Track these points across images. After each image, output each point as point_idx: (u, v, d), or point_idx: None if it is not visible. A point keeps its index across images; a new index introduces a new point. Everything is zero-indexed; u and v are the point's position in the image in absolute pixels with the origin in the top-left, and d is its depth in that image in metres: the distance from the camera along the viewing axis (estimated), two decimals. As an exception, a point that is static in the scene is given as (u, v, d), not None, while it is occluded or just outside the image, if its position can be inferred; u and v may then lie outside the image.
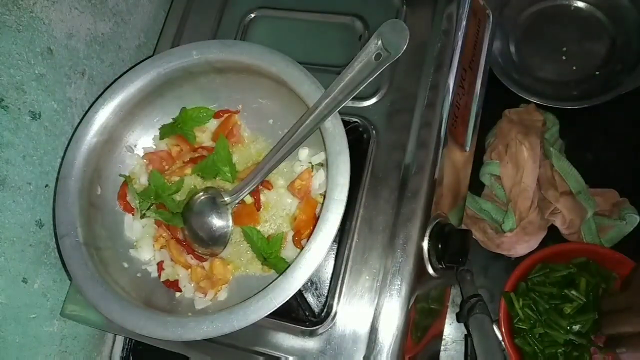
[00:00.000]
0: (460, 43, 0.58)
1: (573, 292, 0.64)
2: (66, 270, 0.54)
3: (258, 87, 0.57)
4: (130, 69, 0.56)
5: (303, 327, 0.51)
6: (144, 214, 0.57)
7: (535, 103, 0.75)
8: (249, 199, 0.55)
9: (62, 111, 0.58)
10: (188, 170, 0.58)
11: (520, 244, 0.69)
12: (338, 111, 0.49)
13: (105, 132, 0.56)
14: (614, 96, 0.73)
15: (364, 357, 0.49)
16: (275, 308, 0.45)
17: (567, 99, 0.77)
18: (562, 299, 0.64)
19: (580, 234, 0.69)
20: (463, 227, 0.70)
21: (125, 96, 0.56)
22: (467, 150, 0.63)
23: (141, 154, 0.60)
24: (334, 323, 0.51)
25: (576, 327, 0.62)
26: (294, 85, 0.52)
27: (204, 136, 0.61)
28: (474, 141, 0.64)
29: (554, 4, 0.84)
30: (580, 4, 0.83)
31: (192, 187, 0.58)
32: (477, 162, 0.72)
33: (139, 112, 0.58)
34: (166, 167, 0.60)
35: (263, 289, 0.46)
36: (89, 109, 0.55)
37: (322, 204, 0.48)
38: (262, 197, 0.56)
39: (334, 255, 0.53)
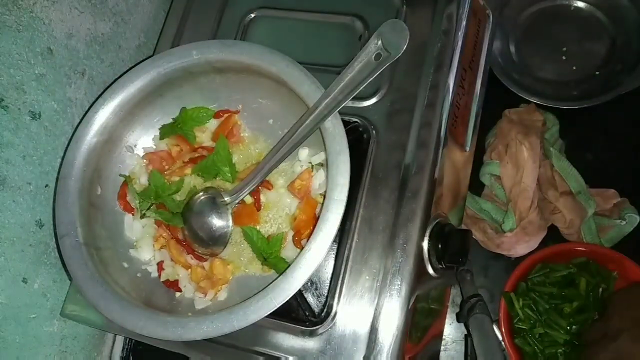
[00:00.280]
0: (460, 43, 0.58)
1: (573, 292, 0.64)
2: (66, 270, 0.54)
3: (258, 87, 0.57)
4: (130, 69, 0.56)
5: (303, 327, 0.51)
6: (144, 214, 0.57)
7: (535, 103, 0.75)
8: (249, 199, 0.55)
9: (62, 111, 0.58)
10: (188, 170, 0.58)
11: (520, 244, 0.69)
12: (338, 111, 0.49)
13: (105, 132, 0.56)
14: (614, 96, 0.73)
15: (364, 357, 0.49)
16: (275, 308, 0.45)
17: (567, 99, 0.77)
18: (562, 299, 0.64)
19: (580, 234, 0.69)
20: (463, 227, 0.70)
21: (125, 96, 0.56)
22: (467, 150, 0.63)
23: (141, 154, 0.60)
24: (334, 323, 0.51)
25: (576, 327, 0.62)
26: (294, 85, 0.52)
27: (204, 136, 0.61)
28: (474, 141, 0.64)
29: (554, 4, 0.84)
30: (580, 4, 0.83)
31: (192, 187, 0.58)
32: (477, 162, 0.72)
33: (139, 112, 0.58)
34: (166, 167, 0.60)
35: (263, 289, 0.46)
36: (89, 109, 0.55)
37: (322, 204, 0.48)
38: (262, 197, 0.56)
39: (334, 255, 0.53)
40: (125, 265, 0.56)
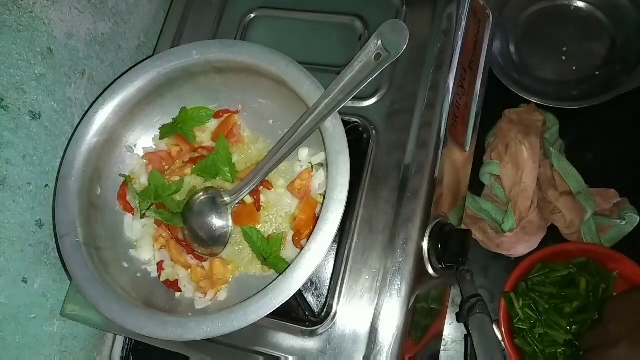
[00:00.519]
0: (460, 43, 0.58)
1: (573, 292, 0.64)
2: (66, 270, 0.54)
3: (258, 87, 0.57)
4: (130, 69, 0.56)
5: (303, 327, 0.51)
6: (144, 214, 0.57)
7: (535, 103, 0.75)
8: (249, 199, 0.55)
9: (62, 111, 0.58)
10: (188, 170, 0.58)
11: (520, 244, 0.69)
12: (338, 111, 0.49)
13: (105, 132, 0.56)
14: (614, 96, 0.73)
15: (364, 357, 0.49)
16: (275, 308, 0.45)
17: (567, 99, 0.77)
18: (562, 299, 0.64)
19: (580, 234, 0.69)
20: (463, 227, 0.70)
21: (125, 96, 0.56)
22: (467, 150, 0.63)
23: (141, 154, 0.60)
24: (334, 323, 0.51)
25: (576, 327, 0.62)
26: (294, 85, 0.52)
27: (204, 136, 0.61)
28: (474, 141, 0.64)
29: (554, 4, 0.84)
30: (580, 4, 0.83)
31: (192, 187, 0.58)
32: (477, 162, 0.72)
33: (139, 112, 0.58)
34: (166, 167, 0.60)
35: (263, 289, 0.46)
36: (89, 109, 0.55)
37: (322, 204, 0.48)
38: (262, 197, 0.56)
39: (334, 255, 0.53)
40: (125, 265, 0.56)
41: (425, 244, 0.52)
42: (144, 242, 0.57)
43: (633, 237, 0.69)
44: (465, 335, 0.68)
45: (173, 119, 0.60)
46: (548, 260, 0.67)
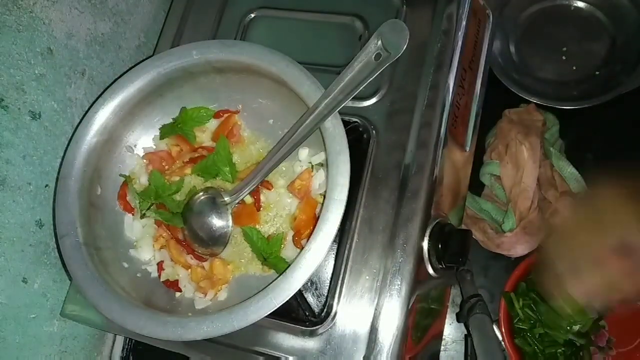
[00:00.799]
0: (460, 43, 0.58)
1: (573, 292, 0.64)
2: (66, 270, 0.54)
3: (258, 87, 0.57)
4: (130, 69, 0.56)
5: (303, 327, 0.51)
6: (144, 214, 0.57)
7: (535, 103, 0.75)
8: (249, 199, 0.55)
9: (62, 111, 0.58)
10: (188, 170, 0.58)
11: (520, 244, 0.69)
12: (338, 111, 0.49)
13: (105, 132, 0.56)
14: (614, 96, 0.73)
15: (364, 357, 0.49)
16: (275, 308, 0.45)
17: (567, 99, 0.77)
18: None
19: (580, 234, 0.69)
20: (463, 227, 0.70)
21: (125, 96, 0.56)
22: (467, 150, 0.63)
23: (141, 154, 0.60)
24: (334, 323, 0.51)
25: (576, 327, 0.62)
26: (294, 85, 0.52)
27: (204, 136, 0.61)
28: (474, 141, 0.64)
29: (554, 4, 0.84)
30: (580, 4, 0.83)
31: (192, 187, 0.58)
32: (477, 162, 0.72)
33: (139, 112, 0.58)
34: (166, 167, 0.60)
35: (263, 289, 0.46)
36: (89, 109, 0.55)
37: (322, 204, 0.48)
38: (262, 197, 0.56)
39: (334, 255, 0.53)
40: (125, 265, 0.56)
41: (425, 244, 0.52)
42: (144, 242, 0.57)
43: (633, 237, 0.69)
44: (465, 335, 0.68)
45: (173, 119, 0.60)
46: (548, 260, 0.67)
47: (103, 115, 0.55)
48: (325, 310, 0.52)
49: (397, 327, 0.49)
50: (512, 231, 0.68)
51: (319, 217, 0.47)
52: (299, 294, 0.52)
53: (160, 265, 0.57)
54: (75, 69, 0.59)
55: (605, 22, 0.81)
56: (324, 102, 0.49)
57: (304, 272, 0.45)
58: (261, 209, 0.56)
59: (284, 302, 0.45)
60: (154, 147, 0.61)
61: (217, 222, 0.53)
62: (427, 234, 0.52)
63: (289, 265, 0.47)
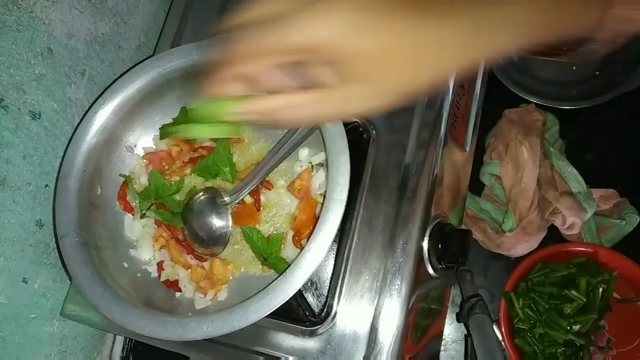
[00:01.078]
0: (460, 43, 0.58)
1: (573, 292, 0.64)
2: (66, 270, 0.54)
3: (258, 87, 0.57)
4: (130, 69, 0.56)
5: (303, 327, 0.51)
6: (144, 214, 0.57)
7: (535, 103, 0.75)
8: (249, 199, 0.55)
9: (62, 111, 0.58)
10: (188, 170, 0.58)
11: (520, 244, 0.69)
12: (338, 111, 0.49)
13: (105, 132, 0.56)
14: (614, 96, 0.73)
15: (364, 357, 0.49)
16: (275, 308, 0.45)
17: (567, 99, 0.77)
18: (562, 299, 0.64)
19: (580, 234, 0.69)
20: (463, 227, 0.70)
21: (125, 96, 0.56)
22: (467, 150, 0.63)
23: (141, 154, 0.60)
24: (334, 323, 0.51)
25: (576, 327, 0.62)
26: (294, 85, 0.52)
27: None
28: (474, 141, 0.64)
29: (554, 3, 0.84)
30: (580, 4, 0.83)
31: (192, 187, 0.58)
32: (477, 162, 0.72)
33: (138, 112, 0.58)
34: (166, 167, 0.60)
35: (263, 289, 0.46)
36: (89, 109, 0.55)
37: (322, 204, 0.48)
38: (262, 197, 0.56)
39: (334, 255, 0.53)
40: (125, 265, 0.56)
41: (425, 244, 0.52)
42: (144, 242, 0.57)
43: (633, 237, 0.69)
44: (465, 335, 0.68)
45: (173, 119, 0.60)
46: (548, 260, 0.67)
47: (103, 115, 0.55)
48: (325, 310, 0.52)
49: (397, 327, 0.49)
50: (512, 231, 0.68)
51: (319, 217, 0.47)
52: (299, 294, 0.52)
53: (160, 265, 0.57)
54: (75, 69, 0.59)
55: (605, 22, 0.81)
56: (324, 102, 0.49)
57: (304, 272, 0.45)
58: (261, 209, 0.56)
59: (284, 302, 0.45)
60: (154, 147, 0.61)
61: (217, 222, 0.53)
62: (427, 234, 0.52)
63: (289, 265, 0.47)
